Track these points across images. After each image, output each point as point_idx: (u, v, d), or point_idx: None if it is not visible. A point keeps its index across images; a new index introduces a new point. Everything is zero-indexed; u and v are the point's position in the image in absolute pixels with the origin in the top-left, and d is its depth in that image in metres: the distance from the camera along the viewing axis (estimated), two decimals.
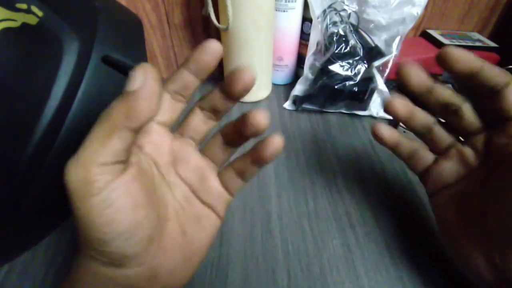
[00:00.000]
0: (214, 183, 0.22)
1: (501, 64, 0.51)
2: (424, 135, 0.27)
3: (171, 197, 0.21)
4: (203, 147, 0.23)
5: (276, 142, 0.20)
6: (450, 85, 0.44)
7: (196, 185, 0.22)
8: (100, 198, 0.15)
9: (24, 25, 0.21)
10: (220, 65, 0.50)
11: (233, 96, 0.20)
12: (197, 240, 0.21)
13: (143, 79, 0.15)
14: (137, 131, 0.16)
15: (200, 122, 0.22)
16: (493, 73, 0.22)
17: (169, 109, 0.20)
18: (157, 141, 0.20)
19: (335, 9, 0.42)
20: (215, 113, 0.22)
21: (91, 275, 0.17)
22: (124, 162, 0.16)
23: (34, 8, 0.22)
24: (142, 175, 0.18)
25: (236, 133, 0.21)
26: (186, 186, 0.22)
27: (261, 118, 0.19)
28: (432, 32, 0.53)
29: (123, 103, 0.15)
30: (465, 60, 0.22)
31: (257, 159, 0.21)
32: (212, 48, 0.18)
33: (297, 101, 0.45)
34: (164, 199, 0.20)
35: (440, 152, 0.27)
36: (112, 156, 0.16)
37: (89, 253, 0.16)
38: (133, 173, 0.17)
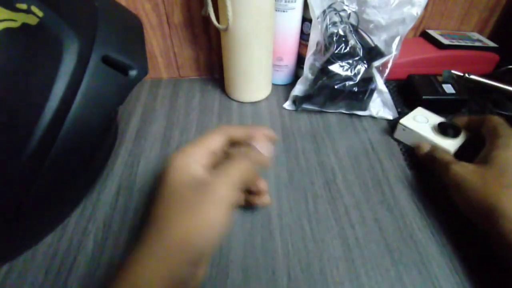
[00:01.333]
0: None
1: (501, 64, 0.51)
2: None
3: None
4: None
5: (266, 201, 0.31)
6: (450, 85, 0.44)
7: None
8: (191, 171, 0.22)
9: (24, 25, 0.21)
10: (220, 65, 0.50)
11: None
12: None
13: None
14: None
15: None
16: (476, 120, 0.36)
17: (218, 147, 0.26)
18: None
19: (335, 9, 0.42)
20: None
21: (170, 269, 0.19)
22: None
23: (34, 8, 0.22)
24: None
25: None
26: None
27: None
28: (432, 32, 0.53)
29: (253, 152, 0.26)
30: None
31: (248, 200, 0.31)
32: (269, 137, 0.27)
33: (297, 101, 0.45)
34: None
35: None
36: (206, 155, 0.24)
37: (185, 250, 0.19)
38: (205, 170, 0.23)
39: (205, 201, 0.20)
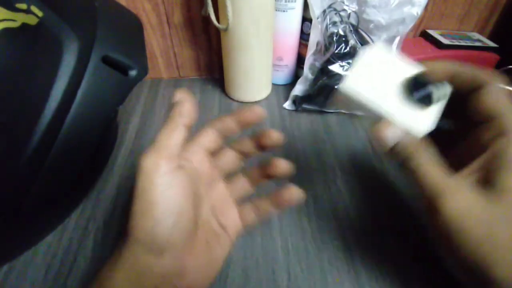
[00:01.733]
0: (232, 211, 0.26)
1: (501, 64, 0.51)
2: None
3: (202, 209, 0.24)
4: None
5: (294, 193, 0.25)
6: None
7: (219, 208, 0.25)
8: (164, 179, 0.20)
9: (24, 25, 0.21)
10: (220, 65, 0.50)
11: (264, 148, 0.25)
12: (215, 252, 0.23)
13: (180, 93, 0.22)
14: (187, 127, 0.22)
15: (229, 159, 0.26)
16: (467, 75, 0.22)
17: (212, 141, 0.25)
18: (202, 160, 0.24)
19: (335, 9, 0.42)
20: (243, 154, 0.27)
21: (131, 262, 0.19)
22: (178, 156, 0.21)
23: (34, 8, 0.22)
24: (191, 178, 0.22)
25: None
26: (211, 205, 0.25)
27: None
28: (432, 32, 0.53)
29: (176, 108, 0.22)
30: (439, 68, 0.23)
31: (276, 202, 0.25)
32: (256, 113, 0.24)
33: (297, 101, 0.45)
34: (199, 207, 0.23)
35: None
36: (175, 148, 0.21)
37: (138, 235, 0.19)
38: (186, 173, 0.21)
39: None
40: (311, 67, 0.43)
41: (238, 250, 0.29)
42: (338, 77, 0.41)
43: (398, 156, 0.20)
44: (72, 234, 0.31)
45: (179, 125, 0.21)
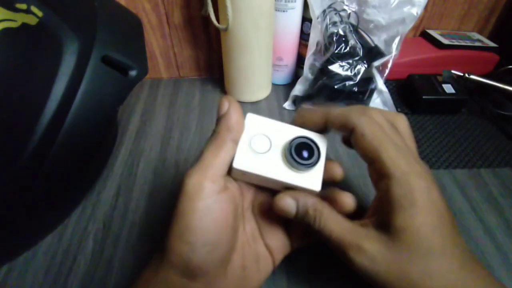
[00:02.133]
0: (280, 231, 0.24)
1: (501, 64, 0.51)
2: None
3: (242, 230, 0.23)
4: None
5: (349, 198, 0.22)
6: (450, 85, 0.44)
7: (265, 228, 0.24)
8: (206, 204, 0.18)
9: (24, 25, 0.21)
10: (220, 65, 0.50)
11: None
12: (252, 279, 0.22)
13: (227, 103, 0.21)
14: (235, 142, 0.20)
15: None
16: (338, 120, 0.22)
17: None
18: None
19: (335, 9, 0.42)
20: None
21: (164, 283, 0.19)
22: (225, 176, 0.20)
23: (34, 8, 0.22)
24: (234, 201, 0.21)
25: None
26: (256, 225, 0.24)
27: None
28: (432, 32, 0.53)
29: (223, 122, 0.20)
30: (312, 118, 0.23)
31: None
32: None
33: (297, 101, 0.44)
34: (237, 229, 0.22)
35: None
36: (221, 167, 0.20)
37: (172, 259, 0.19)
38: (229, 196, 0.20)
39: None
40: (311, 67, 0.43)
41: None
42: (338, 77, 0.41)
43: (303, 220, 0.21)
44: (72, 234, 0.31)
45: (227, 141, 0.20)
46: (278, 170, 0.21)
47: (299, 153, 0.21)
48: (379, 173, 0.20)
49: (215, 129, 0.21)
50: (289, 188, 0.22)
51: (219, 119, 0.21)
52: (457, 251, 0.19)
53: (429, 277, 0.18)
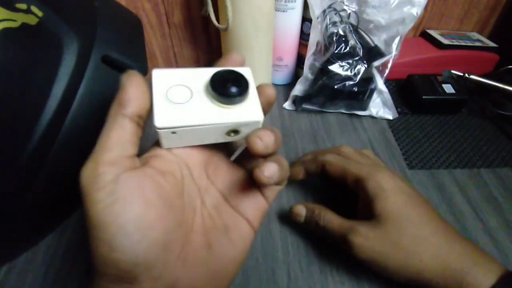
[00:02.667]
0: (249, 190, 0.21)
1: (501, 64, 0.51)
2: None
3: (200, 204, 0.20)
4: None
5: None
6: (450, 85, 0.44)
7: (229, 191, 0.21)
8: (107, 191, 0.15)
9: (24, 25, 0.21)
10: None
11: None
12: (224, 255, 0.19)
13: (127, 75, 0.17)
14: (135, 118, 0.17)
15: None
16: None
17: None
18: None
19: (335, 9, 0.42)
20: None
21: None
22: (133, 156, 0.17)
23: (34, 8, 0.22)
24: (164, 176, 0.18)
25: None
26: (218, 192, 0.21)
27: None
28: (432, 32, 0.53)
29: (115, 98, 0.17)
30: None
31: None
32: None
33: (297, 101, 0.45)
34: (192, 205, 0.19)
35: None
36: (118, 147, 0.16)
37: (98, 267, 0.16)
38: (148, 172, 0.17)
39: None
40: (311, 67, 0.43)
41: None
42: (338, 77, 0.41)
43: (312, 221, 0.28)
44: (72, 234, 0.31)
45: (117, 117, 0.17)
46: (211, 113, 0.18)
47: (225, 84, 0.19)
48: (353, 182, 0.28)
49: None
50: (230, 132, 0.19)
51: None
52: (434, 220, 0.25)
53: (415, 241, 0.24)
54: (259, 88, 0.21)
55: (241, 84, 0.19)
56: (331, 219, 0.27)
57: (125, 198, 0.16)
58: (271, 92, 0.21)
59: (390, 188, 0.26)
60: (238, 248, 0.20)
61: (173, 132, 0.18)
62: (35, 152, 0.23)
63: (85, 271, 0.28)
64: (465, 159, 0.39)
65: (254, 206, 0.21)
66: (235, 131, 0.19)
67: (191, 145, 0.20)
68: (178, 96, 0.18)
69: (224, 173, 0.21)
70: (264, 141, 0.18)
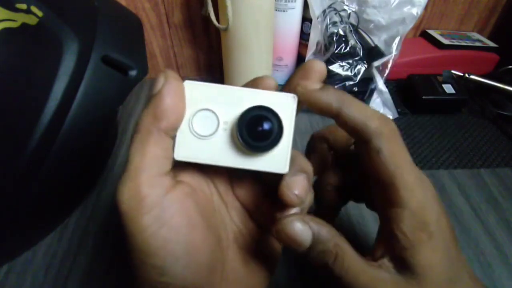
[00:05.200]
0: (269, 204, 0.19)
1: (501, 64, 0.51)
2: None
3: (229, 220, 0.19)
4: None
5: None
6: (450, 85, 0.44)
7: (253, 206, 0.20)
8: (154, 215, 0.14)
9: (24, 25, 0.21)
10: (220, 65, 0.50)
11: None
12: (258, 272, 0.19)
13: (163, 80, 0.15)
14: (170, 132, 0.16)
15: None
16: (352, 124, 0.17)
17: None
18: None
19: (335, 9, 0.42)
20: None
21: None
22: (169, 173, 0.16)
23: (34, 8, 0.22)
24: (197, 193, 0.17)
25: None
26: (243, 208, 0.20)
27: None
28: (432, 32, 0.53)
29: (149, 107, 0.15)
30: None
31: None
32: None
33: None
34: (223, 222, 0.19)
35: None
36: (156, 165, 0.15)
37: None
38: (186, 190, 0.16)
39: None
40: None
41: None
42: (338, 77, 0.41)
43: (317, 258, 0.16)
44: (72, 234, 0.31)
45: (153, 132, 0.15)
46: (233, 156, 0.17)
47: (254, 131, 0.16)
48: (388, 199, 0.17)
49: (140, 115, 0.15)
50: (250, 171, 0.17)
51: (147, 101, 0.16)
52: (466, 276, 0.17)
53: None
54: (258, 81, 0.18)
55: (273, 133, 0.16)
56: (352, 264, 0.16)
57: (171, 221, 0.15)
58: (271, 83, 0.18)
59: (437, 236, 0.16)
60: (269, 263, 0.19)
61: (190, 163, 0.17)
62: (36, 152, 0.23)
63: (85, 271, 0.28)
64: (465, 159, 0.39)
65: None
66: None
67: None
68: (203, 126, 0.16)
69: (247, 188, 0.20)
70: (299, 195, 0.16)
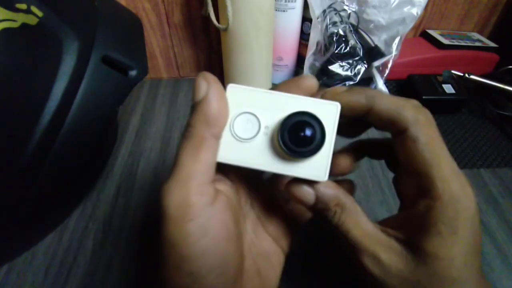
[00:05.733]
0: (279, 215, 0.20)
1: (501, 64, 0.51)
2: None
3: (245, 229, 0.19)
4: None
5: None
6: (450, 85, 0.44)
7: (265, 218, 0.20)
8: (198, 224, 0.14)
9: (24, 25, 0.21)
10: (220, 65, 0.50)
11: None
12: (269, 281, 0.19)
13: (206, 85, 0.15)
14: (219, 138, 0.16)
15: None
16: (386, 112, 0.17)
17: None
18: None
19: (335, 9, 0.42)
20: None
21: None
22: (213, 181, 0.16)
23: (34, 9, 0.22)
24: (232, 203, 0.17)
25: None
26: (257, 218, 0.20)
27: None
28: (432, 32, 0.53)
29: (198, 113, 0.15)
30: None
31: None
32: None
33: None
34: (241, 234, 0.19)
35: None
36: (206, 172, 0.15)
37: None
38: (225, 201, 0.16)
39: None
40: (311, 67, 0.43)
41: None
42: (338, 77, 0.41)
43: (320, 212, 0.18)
44: (72, 234, 0.31)
45: (207, 138, 0.15)
46: (272, 160, 0.17)
47: (295, 137, 0.16)
48: (420, 188, 0.17)
49: (189, 121, 0.15)
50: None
51: (194, 107, 0.15)
52: (479, 283, 0.17)
53: None
54: (299, 81, 0.18)
55: (315, 140, 0.16)
56: (350, 223, 0.18)
57: (213, 232, 0.15)
58: (309, 83, 0.18)
59: (463, 234, 0.16)
60: (278, 271, 0.20)
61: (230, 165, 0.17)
62: (36, 152, 0.23)
63: (85, 271, 0.28)
64: (465, 159, 0.39)
65: (285, 231, 0.21)
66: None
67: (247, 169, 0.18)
68: (244, 129, 0.17)
69: (258, 195, 0.21)
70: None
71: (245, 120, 0.17)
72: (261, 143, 0.17)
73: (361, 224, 0.18)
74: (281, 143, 0.16)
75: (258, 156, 0.17)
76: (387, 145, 0.22)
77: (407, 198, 0.18)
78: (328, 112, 0.17)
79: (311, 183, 0.17)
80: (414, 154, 0.16)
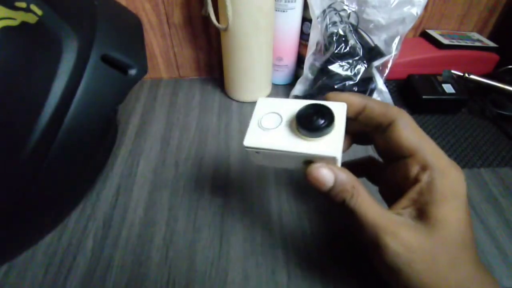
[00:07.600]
0: None
1: (501, 64, 0.51)
2: None
3: None
4: None
5: None
6: (450, 85, 0.44)
7: None
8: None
9: (24, 24, 0.21)
10: (220, 65, 0.50)
11: None
12: None
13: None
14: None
15: None
16: (378, 110, 0.22)
17: None
18: None
19: (334, 9, 0.42)
20: None
21: None
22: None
23: (34, 7, 0.22)
24: None
25: None
26: None
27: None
28: (432, 32, 0.53)
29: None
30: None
31: None
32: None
33: None
34: None
35: None
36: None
37: None
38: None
39: None
40: (311, 67, 0.43)
41: (238, 250, 0.29)
42: (338, 77, 0.41)
43: (337, 196, 0.20)
44: (72, 234, 0.31)
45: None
46: (291, 142, 0.20)
47: (310, 120, 0.20)
48: (419, 165, 0.20)
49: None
50: (307, 162, 0.20)
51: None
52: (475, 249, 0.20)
53: (456, 267, 0.19)
54: (343, 97, 0.22)
55: (325, 119, 0.20)
56: (366, 205, 0.19)
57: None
58: (352, 100, 0.22)
59: (464, 199, 0.19)
60: None
61: (257, 152, 0.21)
62: (35, 151, 0.23)
63: (84, 271, 0.28)
64: (465, 159, 0.39)
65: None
66: (311, 162, 0.20)
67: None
68: (269, 122, 0.22)
69: None
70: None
71: (271, 117, 0.22)
72: (283, 130, 0.21)
73: (375, 206, 0.19)
74: (297, 122, 0.20)
75: (280, 140, 0.20)
76: (365, 164, 0.28)
77: (404, 179, 0.21)
78: (337, 107, 0.21)
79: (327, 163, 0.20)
80: (407, 136, 0.20)
